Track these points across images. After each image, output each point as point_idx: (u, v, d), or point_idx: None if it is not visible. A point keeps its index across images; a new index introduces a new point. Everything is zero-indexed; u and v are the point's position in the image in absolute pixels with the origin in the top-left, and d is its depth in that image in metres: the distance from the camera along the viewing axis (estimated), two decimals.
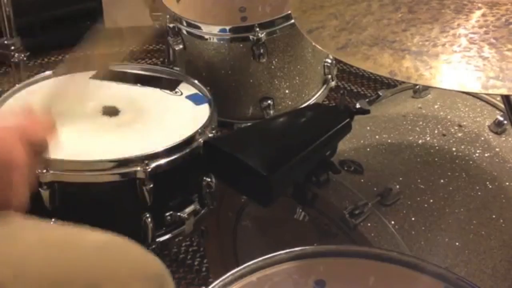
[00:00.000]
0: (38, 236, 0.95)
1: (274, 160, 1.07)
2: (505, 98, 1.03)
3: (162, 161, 1.26)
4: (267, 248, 0.93)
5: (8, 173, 0.83)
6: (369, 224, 1.09)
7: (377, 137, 1.28)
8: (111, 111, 1.40)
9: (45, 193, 1.23)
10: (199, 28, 1.61)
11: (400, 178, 1.17)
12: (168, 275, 1.01)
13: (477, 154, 1.24)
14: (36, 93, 1.46)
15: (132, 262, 0.99)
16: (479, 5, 0.86)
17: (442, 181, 1.19)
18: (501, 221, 1.16)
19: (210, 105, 1.43)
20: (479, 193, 1.18)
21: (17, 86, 1.48)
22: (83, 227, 1.01)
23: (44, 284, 0.89)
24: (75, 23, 2.88)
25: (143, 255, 1.02)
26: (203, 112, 1.42)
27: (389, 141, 1.27)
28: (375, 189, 1.14)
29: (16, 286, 0.86)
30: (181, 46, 1.65)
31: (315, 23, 0.93)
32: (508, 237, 1.15)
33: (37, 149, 0.89)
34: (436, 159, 1.24)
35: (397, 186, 1.13)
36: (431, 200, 1.15)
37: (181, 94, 1.49)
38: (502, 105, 1.26)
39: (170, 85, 1.52)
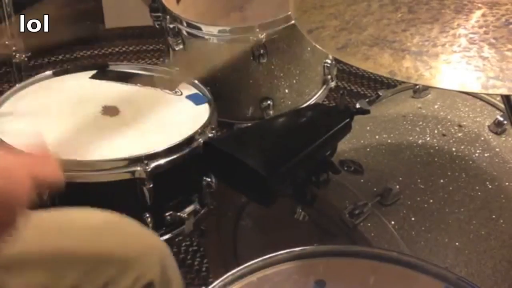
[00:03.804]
0: (33, 222, 0.95)
1: (274, 160, 1.07)
2: (505, 98, 1.03)
3: (162, 161, 1.26)
4: (267, 248, 0.93)
5: (8, 205, 0.77)
6: (369, 224, 1.09)
7: (377, 137, 1.28)
8: (111, 111, 1.40)
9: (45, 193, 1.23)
10: (199, 28, 1.61)
11: (400, 178, 1.17)
12: (167, 248, 1.01)
13: (477, 154, 1.24)
14: (35, 94, 1.47)
15: (131, 238, 1.00)
16: (479, 5, 0.86)
17: (442, 181, 1.19)
18: (501, 221, 1.16)
19: (210, 105, 1.43)
20: (479, 193, 1.18)
21: (17, 86, 1.48)
22: (79, 208, 1.01)
23: (45, 271, 0.89)
24: (75, 23, 2.88)
25: (141, 231, 1.02)
26: (203, 112, 1.42)
27: (389, 141, 1.27)
28: (375, 189, 1.14)
29: (15, 277, 0.86)
30: (181, 47, 1.65)
31: (315, 23, 0.93)
32: (508, 237, 1.15)
33: (41, 188, 0.84)
34: (436, 159, 1.24)
35: (397, 186, 1.13)
36: (431, 200, 1.15)
37: (181, 94, 1.49)
38: (502, 105, 1.26)
39: (170, 85, 1.52)
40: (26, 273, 0.89)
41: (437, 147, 1.25)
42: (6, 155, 0.81)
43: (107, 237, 0.97)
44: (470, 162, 1.23)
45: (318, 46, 0.90)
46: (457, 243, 1.12)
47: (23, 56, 1.77)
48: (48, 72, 1.53)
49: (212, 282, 0.87)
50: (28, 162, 0.81)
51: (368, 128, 1.30)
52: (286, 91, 1.68)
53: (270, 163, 1.06)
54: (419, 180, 1.18)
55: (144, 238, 1.02)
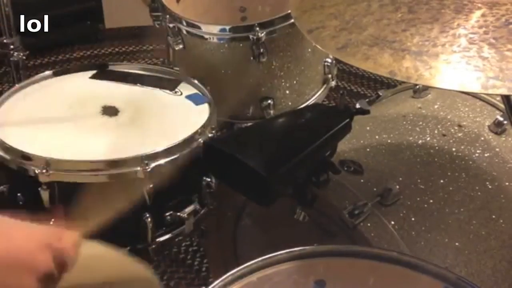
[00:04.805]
0: None
1: (274, 161, 1.07)
2: (505, 98, 1.03)
3: (162, 161, 1.26)
4: (267, 248, 0.93)
5: (27, 277, 0.76)
6: (369, 224, 1.09)
7: (377, 137, 1.28)
8: (111, 111, 1.40)
9: (44, 193, 1.23)
10: (199, 28, 1.61)
11: (400, 178, 1.17)
12: (158, 282, 1.01)
13: (477, 154, 1.24)
14: (35, 94, 1.47)
15: (125, 271, 0.99)
16: (479, 5, 0.86)
17: (442, 181, 1.19)
18: (501, 221, 1.16)
19: (210, 105, 1.43)
20: (479, 193, 1.18)
21: (17, 86, 1.48)
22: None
23: None
24: (75, 23, 2.89)
25: (135, 265, 1.02)
26: (203, 112, 1.41)
27: (389, 141, 1.27)
28: (375, 189, 1.14)
29: None
30: (181, 46, 1.65)
31: (315, 23, 0.93)
32: (508, 237, 1.15)
33: (60, 264, 0.81)
34: (436, 159, 1.24)
35: (397, 186, 1.13)
36: (431, 200, 1.15)
37: (181, 94, 1.49)
38: (502, 105, 1.26)
39: (170, 85, 1.52)
40: None
41: (437, 147, 1.25)
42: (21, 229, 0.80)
43: (103, 272, 0.97)
44: (470, 162, 1.23)
45: (318, 46, 0.90)
46: (457, 243, 1.12)
47: (21, 54, 1.77)
48: (48, 72, 1.53)
49: (212, 282, 0.87)
50: (47, 235, 0.80)
51: (368, 128, 1.30)
52: (286, 91, 1.68)
53: (270, 163, 1.06)
54: (419, 180, 1.18)
55: (140, 273, 1.01)
